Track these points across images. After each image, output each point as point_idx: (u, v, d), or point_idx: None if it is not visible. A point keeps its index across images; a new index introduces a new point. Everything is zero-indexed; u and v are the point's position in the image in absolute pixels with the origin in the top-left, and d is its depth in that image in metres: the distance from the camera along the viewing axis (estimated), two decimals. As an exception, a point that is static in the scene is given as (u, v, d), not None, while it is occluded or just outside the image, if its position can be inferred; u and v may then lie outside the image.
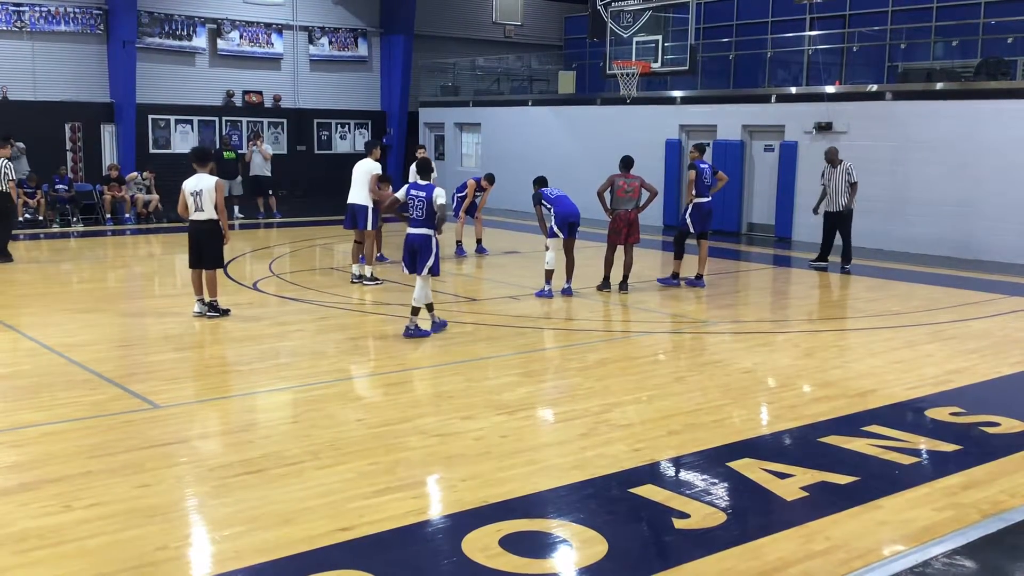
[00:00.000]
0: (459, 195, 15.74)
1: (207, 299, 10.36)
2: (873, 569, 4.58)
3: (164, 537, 4.82)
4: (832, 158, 14.34)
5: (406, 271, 9.62)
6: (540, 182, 12.55)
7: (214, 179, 10.07)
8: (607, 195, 12.20)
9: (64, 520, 4.99)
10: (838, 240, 14.48)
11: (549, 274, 11.96)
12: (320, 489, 5.48)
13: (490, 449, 6.26)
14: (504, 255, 15.95)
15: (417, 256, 9.40)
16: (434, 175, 9.91)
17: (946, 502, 5.44)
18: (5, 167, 14.63)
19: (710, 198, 12.90)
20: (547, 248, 12.01)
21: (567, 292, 11.97)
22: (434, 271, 9.47)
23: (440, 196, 9.42)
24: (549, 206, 11.99)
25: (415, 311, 9.57)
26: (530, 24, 30.08)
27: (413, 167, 14.94)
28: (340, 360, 8.89)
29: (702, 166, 12.81)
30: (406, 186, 9.74)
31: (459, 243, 15.80)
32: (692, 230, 12.81)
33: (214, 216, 10.08)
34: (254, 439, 6.43)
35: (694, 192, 12.73)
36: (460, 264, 14.95)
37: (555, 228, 11.89)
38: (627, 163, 12.26)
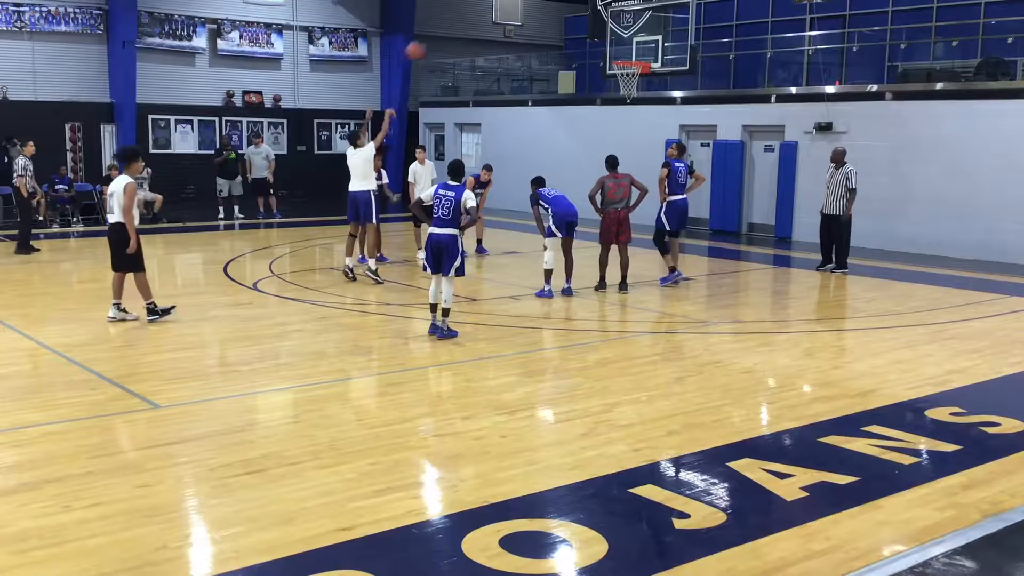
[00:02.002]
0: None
1: (143, 303, 10.09)
2: (873, 569, 4.58)
3: (164, 537, 4.82)
4: (837, 159, 14.27)
5: (429, 271, 9.60)
6: (538, 182, 12.56)
7: (125, 181, 9.74)
8: (598, 197, 12.24)
9: (64, 520, 4.99)
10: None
11: (548, 274, 11.96)
12: (320, 489, 5.48)
13: (490, 449, 6.26)
14: (504, 255, 15.94)
15: (443, 256, 9.40)
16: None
17: (946, 502, 5.44)
18: (20, 165, 15.04)
19: (685, 196, 13.03)
20: (545, 248, 12.02)
21: (567, 292, 11.97)
22: (460, 272, 9.49)
23: (470, 198, 9.46)
24: (547, 206, 12.01)
25: (446, 312, 9.55)
26: (530, 24, 30.08)
27: (414, 166, 14.93)
28: (340, 360, 8.89)
29: (677, 164, 12.91)
30: (435, 186, 9.71)
31: (479, 242, 15.85)
32: (668, 228, 12.86)
33: (123, 219, 9.76)
34: (254, 439, 6.43)
35: (667, 190, 12.82)
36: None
37: (553, 228, 11.91)
38: (613, 163, 12.31)
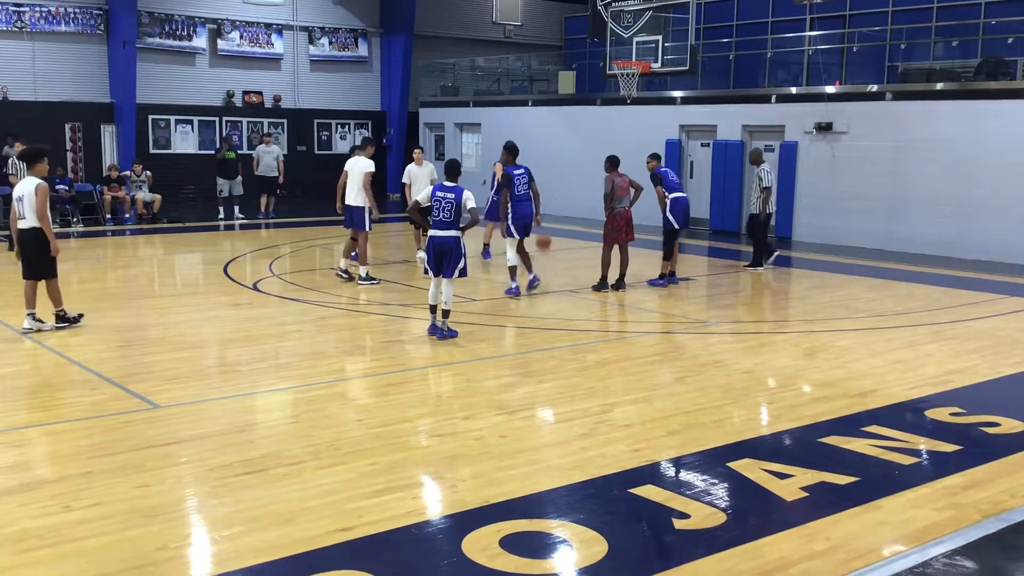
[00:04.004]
0: (495, 197, 14.59)
1: (53, 309, 9.61)
2: (873, 569, 4.58)
3: (164, 537, 4.82)
4: (753, 159, 14.52)
5: (430, 274, 9.58)
6: (511, 151, 12.29)
7: (36, 183, 9.24)
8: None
9: (64, 520, 4.99)
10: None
11: (513, 271, 12.01)
12: (320, 489, 5.48)
13: (490, 449, 6.26)
14: (504, 255, 15.88)
15: (445, 259, 9.35)
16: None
17: (946, 502, 5.44)
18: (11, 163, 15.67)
19: (685, 193, 13.13)
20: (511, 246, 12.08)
21: (534, 282, 12.08)
22: (463, 273, 9.48)
23: (471, 199, 9.40)
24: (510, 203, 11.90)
25: (446, 313, 9.53)
26: (530, 24, 30.06)
27: (410, 167, 14.76)
28: (340, 360, 8.89)
29: (663, 170, 13.06)
30: (430, 188, 9.65)
31: (486, 246, 15.42)
32: (677, 226, 12.87)
33: (37, 224, 9.24)
34: (254, 439, 6.43)
35: (666, 193, 12.90)
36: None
37: (512, 229, 11.89)
38: (615, 162, 12.41)
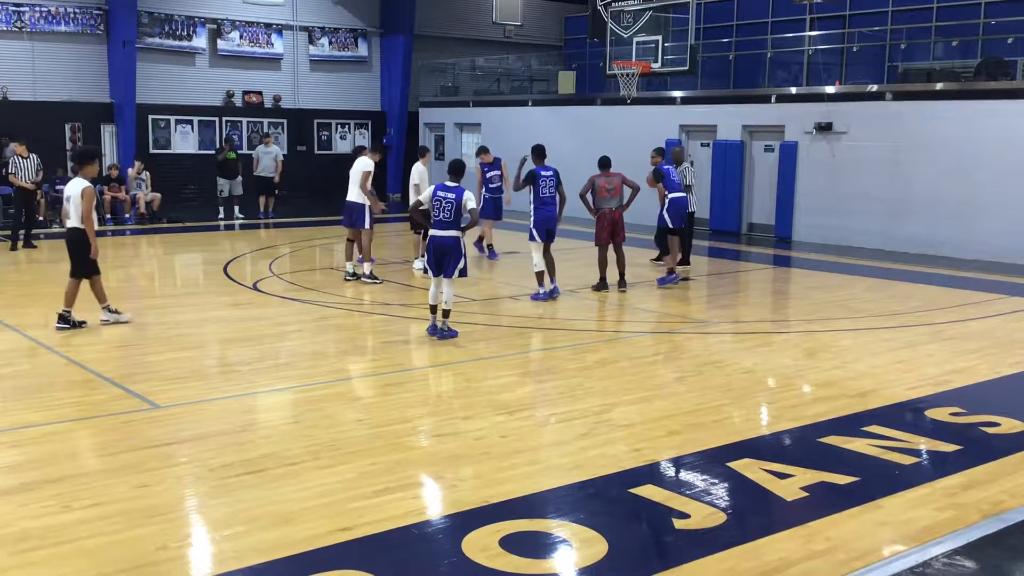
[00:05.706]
0: (488, 195, 15.33)
1: (60, 308, 9.66)
2: (873, 569, 4.58)
3: (164, 537, 4.82)
4: (674, 158, 14.22)
5: (430, 274, 9.57)
6: (539, 153, 12.16)
7: (83, 185, 9.44)
8: (589, 196, 12.21)
9: (64, 520, 4.99)
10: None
11: (540, 276, 11.82)
12: (320, 489, 5.48)
13: (490, 449, 6.26)
14: (504, 255, 15.91)
15: (445, 259, 9.32)
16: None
17: (946, 502, 5.44)
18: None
19: (684, 194, 13.11)
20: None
21: (554, 292, 11.80)
22: (463, 273, 9.47)
23: (471, 200, 9.38)
24: (531, 202, 11.77)
25: (446, 313, 9.51)
26: (530, 24, 30.06)
27: (416, 168, 14.62)
28: (340, 360, 8.89)
29: (665, 167, 13.06)
30: (432, 187, 9.64)
31: (490, 247, 15.46)
32: (671, 225, 12.86)
33: (81, 224, 9.44)
34: (254, 439, 6.43)
35: (666, 191, 12.90)
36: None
37: (534, 232, 11.72)
38: (605, 163, 12.39)
